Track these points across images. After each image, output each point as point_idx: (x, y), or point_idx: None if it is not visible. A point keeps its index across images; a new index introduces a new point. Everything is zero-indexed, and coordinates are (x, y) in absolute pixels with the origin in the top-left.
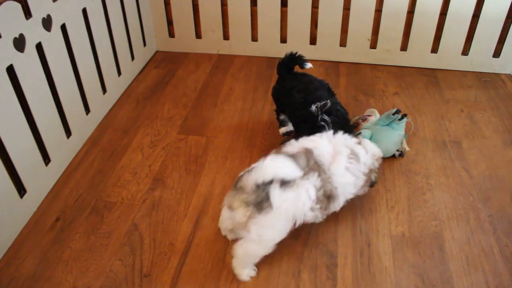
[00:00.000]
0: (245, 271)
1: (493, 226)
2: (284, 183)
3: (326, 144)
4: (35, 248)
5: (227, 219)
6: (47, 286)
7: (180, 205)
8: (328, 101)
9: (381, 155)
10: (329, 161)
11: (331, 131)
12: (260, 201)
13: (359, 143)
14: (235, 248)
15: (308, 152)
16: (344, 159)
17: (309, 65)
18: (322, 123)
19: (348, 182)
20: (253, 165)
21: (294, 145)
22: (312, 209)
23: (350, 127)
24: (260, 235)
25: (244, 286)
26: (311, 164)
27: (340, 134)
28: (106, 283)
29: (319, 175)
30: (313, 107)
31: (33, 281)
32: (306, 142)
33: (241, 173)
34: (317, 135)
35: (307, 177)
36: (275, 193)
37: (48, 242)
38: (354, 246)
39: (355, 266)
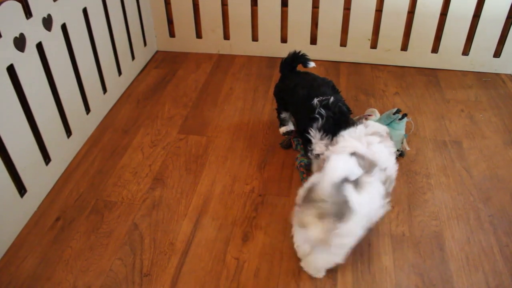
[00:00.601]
0: (320, 273)
1: (493, 226)
2: (356, 185)
3: (356, 142)
4: (36, 247)
5: (303, 241)
6: (48, 286)
7: (181, 204)
8: (332, 97)
9: (387, 130)
10: (371, 155)
11: (348, 131)
12: (340, 208)
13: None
14: (313, 261)
15: (355, 155)
16: (382, 145)
17: (312, 64)
18: (317, 115)
19: (394, 164)
20: (313, 180)
21: (335, 156)
22: (382, 206)
23: (348, 123)
24: (341, 246)
25: (244, 286)
26: (367, 162)
27: (355, 129)
28: (106, 282)
29: (380, 169)
30: (315, 101)
31: (33, 281)
32: (344, 148)
33: (306, 187)
34: (341, 140)
35: (373, 174)
36: (353, 196)
37: (48, 241)
38: (354, 246)
39: (355, 265)
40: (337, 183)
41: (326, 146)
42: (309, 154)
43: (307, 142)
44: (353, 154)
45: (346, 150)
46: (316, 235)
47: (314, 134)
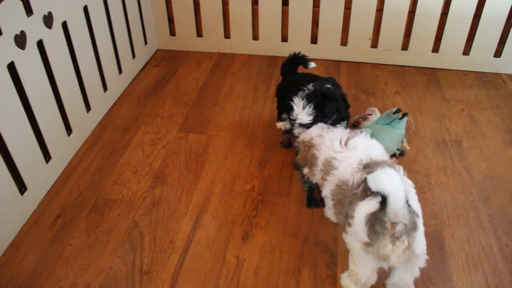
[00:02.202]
0: None
1: (493, 225)
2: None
3: (348, 151)
4: (36, 245)
5: (370, 277)
6: (47, 283)
7: (181, 203)
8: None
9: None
10: (370, 152)
11: (328, 141)
12: (410, 220)
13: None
14: (402, 282)
15: (371, 163)
16: (362, 138)
17: (312, 65)
18: (303, 88)
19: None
20: (364, 210)
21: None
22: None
23: (329, 102)
24: (423, 251)
25: (244, 284)
26: (384, 163)
27: (330, 137)
28: (106, 280)
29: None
30: (310, 85)
31: (33, 278)
32: (348, 165)
33: (360, 220)
34: (337, 159)
35: (398, 171)
36: (411, 201)
37: (48, 239)
38: None
39: None
40: (405, 200)
41: (309, 116)
42: (291, 126)
43: (290, 110)
44: (361, 161)
45: (351, 163)
46: (403, 258)
47: (298, 102)
